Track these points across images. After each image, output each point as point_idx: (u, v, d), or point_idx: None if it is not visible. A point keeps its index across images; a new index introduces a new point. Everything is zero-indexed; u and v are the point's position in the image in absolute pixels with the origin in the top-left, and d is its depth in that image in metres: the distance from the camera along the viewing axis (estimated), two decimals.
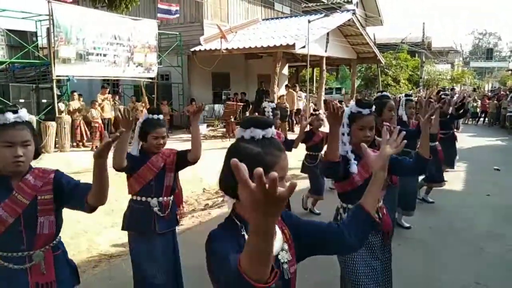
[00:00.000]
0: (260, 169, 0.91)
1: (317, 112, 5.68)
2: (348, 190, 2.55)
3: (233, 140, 1.45)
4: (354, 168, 2.48)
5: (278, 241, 1.38)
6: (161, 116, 3.00)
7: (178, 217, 3.17)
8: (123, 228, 3.04)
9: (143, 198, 2.93)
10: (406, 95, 5.10)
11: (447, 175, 7.61)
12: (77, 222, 4.93)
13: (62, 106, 11.24)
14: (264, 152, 1.32)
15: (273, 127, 1.38)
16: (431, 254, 4.50)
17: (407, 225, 5.26)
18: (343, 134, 2.53)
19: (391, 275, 2.69)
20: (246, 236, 1.26)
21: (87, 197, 1.90)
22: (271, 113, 4.37)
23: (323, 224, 1.54)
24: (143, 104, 13.19)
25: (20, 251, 1.90)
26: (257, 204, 0.95)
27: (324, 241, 1.49)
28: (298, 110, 15.94)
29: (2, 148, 1.84)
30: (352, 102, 2.65)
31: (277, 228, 1.38)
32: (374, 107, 2.62)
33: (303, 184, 6.05)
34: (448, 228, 5.31)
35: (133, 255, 3.00)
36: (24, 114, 1.92)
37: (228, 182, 1.27)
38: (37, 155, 2.00)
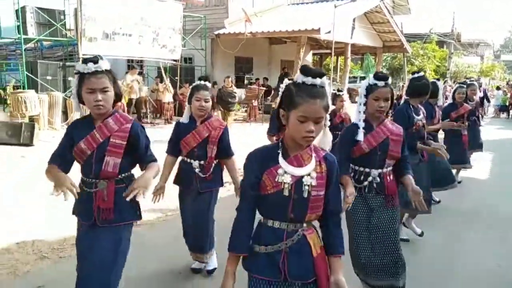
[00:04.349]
0: None
1: (340, 93, 5.60)
2: (357, 155, 2.81)
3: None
4: (360, 136, 2.75)
5: (307, 168, 1.70)
6: (207, 83, 3.24)
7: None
8: (174, 182, 3.36)
9: (188, 160, 3.22)
10: (459, 83, 5.75)
11: (475, 165, 7.50)
12: None
13: None
14: (296, 92, 1.62)
15: (320, 78, 1.61)
16: (453, 236, 4.43)
17: (437, 199, 5.28)
18: (359, 104, 2.79)
19: (394, 247, 2.78)
20: (280, 155, 1.71)
21: (145, 167, 2.33)
22: None
23: (334, 205, 1.80)
24: (165, 86, 13.30)
25: (90, 178, 2.26)
26: None
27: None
28: None
29: (86, 94, 2.18)
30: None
31: (313, 158, 1.72)
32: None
33: None
34: (472, 212, 5.22)
35: (180, 209, 3.40)
36: (103, 63, 2.20)
37: (277, 112, 1.74)
38: (118, 99, 2.30)
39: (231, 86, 10.70)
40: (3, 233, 4.09)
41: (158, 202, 3.20)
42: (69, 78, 11.67)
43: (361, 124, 2.77)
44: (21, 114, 9.40)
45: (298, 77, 1.64)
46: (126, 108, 11.86)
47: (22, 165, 6.82)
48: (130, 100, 12.59)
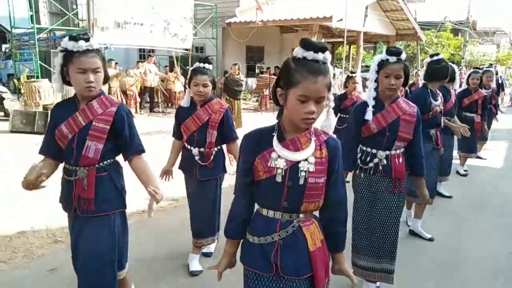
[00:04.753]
0: None
1: (353, 75, 5.56)
2: (366, 135, 2.70)
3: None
4: (369, 115, 2.62)
5: (305, 152, 1.55)
6: (208, 66, 3.08)
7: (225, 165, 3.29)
8: (179, 167, 3.31)
9: (188, 146, 3.14)
10: (474, 67, 5.94)
11: (487, 153, 7.40)
12: None
13: None
14: (295, 69, 1.45)
15: (322, 53, 1.45)
16: (463, 224, 4.40)
17: (447, 194, 5.21)
18: (370, 80, 2.65)
19: (394, 232, 2.76)
20: (275, 138, 1.57)
21: (130, 158, 2.21)
22: None
23: (337, 189, 1.65)
24: (175, 75, 13.32)
25: (70, 165, 2.13)
26: None
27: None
28: None
29: (76, 74, 2.03)
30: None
31: (312, 142, 1.56)
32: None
33: None
34: (483, 200, 5.17)
35: (187, 194, 3.33)
36: (94, 42, 2.07)
37: (273, 91, 1.58)
38: (105, 80, 2.19)
39: (238, 73, 10.17)
40: (19, 217, 4.19)
41: (168, 182, 3.26)
42: None
43: (371, 102, 2.64)
44: (35, 103, 9.53)
45: (298, 51, 1.46)
46: (137, 97, 11.96)
47: (36, 152, 6.91)
48: (145, 88, 12.69)
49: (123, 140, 2.17)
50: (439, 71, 3.72)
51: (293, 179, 1.53)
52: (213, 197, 3.18)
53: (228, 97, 10.14)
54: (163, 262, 3.38)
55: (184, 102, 3.16)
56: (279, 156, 1.54)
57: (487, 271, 3.41)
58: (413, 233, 4.01)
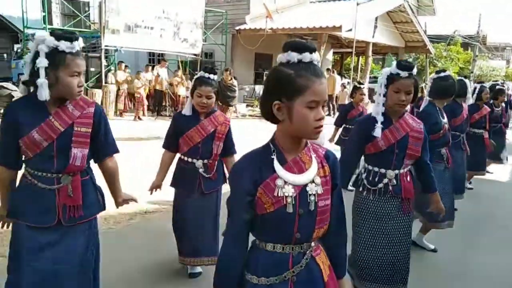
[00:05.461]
0: None
1: (360, 86, 5.56)
2: (372, 152, 2.55)
3: None
4: (378, 132, 2.47)
5: (309, 173, 1.37)
6: (213, 76, 2.91)
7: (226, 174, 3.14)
8: (171, 185, 3.08)
9: (189, 159, 2.94)
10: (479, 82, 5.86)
11: (495, 167, 7.33)
12: None
13: (111, 77, 11.64)
14: (296, 74, 1.27)
15: (314, 53, 1.30)
16: (468, 237, 4.35)
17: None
18: (379, 94, 2.49)
19: (406, 253, 2.64)
20: (275, 161, 1.34)
21: (104, 159, 2.10)
22: None
23: (337, 206, 1.50)
24: (179, 79, 13.34)
25: (50, 173, 1.92)
26: None
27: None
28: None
29: (70, 78, 1.85)
30: None
31: (313, 159, 1.39)
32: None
33: None
34: (488, 214, 5.12)
35: (178, 210, 3.07)
36: (81, 42, 1.91)
37: (266, 107, 1.33)
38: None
39: (231, 79, 9.59)
40: None
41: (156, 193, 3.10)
42: (92, 69, 11.89)
43: (380, 118, 2.48)
44: None
45: (289, 56, 1.28)
46: (145, 101, 12.02)
47: None
48: (155, 91, 12.72)
49: (99, 140, 2.03)
50: (447, 89, 3.56)
51: (303, 206, 1.34)
52: (215, 210, 3.08)
53: (220, 104, 9.50)
54: (161, 264, 3.37)
55: (186, 110, 2.96)
56: (285, 182, 1.33)
57: (493, 283, 3.36)
58: (416, 245, 3.95)
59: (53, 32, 1.83)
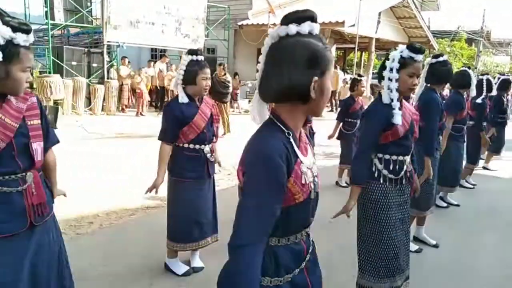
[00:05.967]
0: None
1: (360, 78, 5.52)
2: (389, 141, 2.43)
3: None
4: (398, 119, 2.35)
5: (310, 152, 1.31)
6: (201, 57, 2.96)
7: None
8: (173, 176, 3.00)
9: (197, 146, 2.93)
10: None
11: (496, 163, 7.30)
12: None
13: (114, 73, 11.64)
14: (324, 47, 1.18)
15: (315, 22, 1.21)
16: (469, 233, 4.32)
17: (455, 202, 5.12)
18: (390, 80, 2.37)
19: (408, 242, 2.66)
20: (295, 145, 1.20)
21: (45, 154, 1.92)
22: None
23: None
24: (173, 74, 13.30)
25: (14, 174, 1.77)
26: None
27: None
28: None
29: (21, 73, 1.70)
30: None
31: (309, 144, 1.34)
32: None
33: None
34: (489, 210, 5.09)
35: (182, 199, 2.99)
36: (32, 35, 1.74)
37: (298, 85, 1.14)
38: None
39: (225, 74, 9.06)
40: None
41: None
42: (94, 65, 11.88)
43: (396, 105, 2.36)
44: (46, 98, 9.63)
45: (305, 26, 1.18)
46: (146, 96, 12.01)
47: None
48: (156, 87, 12.69)
49: (43, 132, 1.89)
50: (446, 73, 3.51)
51: (316, 189, 1.27)
52: (214, 189, 3.18)
53: (214, 100, 9.39)
54: (163, 258, 3.37)
55: (182, 98, 2.89)
56: (306, 167, 1.22)
57: (496, 280, 3.34)
58: (417, 240, 3.93)
59: (7, 22, 1.61)
